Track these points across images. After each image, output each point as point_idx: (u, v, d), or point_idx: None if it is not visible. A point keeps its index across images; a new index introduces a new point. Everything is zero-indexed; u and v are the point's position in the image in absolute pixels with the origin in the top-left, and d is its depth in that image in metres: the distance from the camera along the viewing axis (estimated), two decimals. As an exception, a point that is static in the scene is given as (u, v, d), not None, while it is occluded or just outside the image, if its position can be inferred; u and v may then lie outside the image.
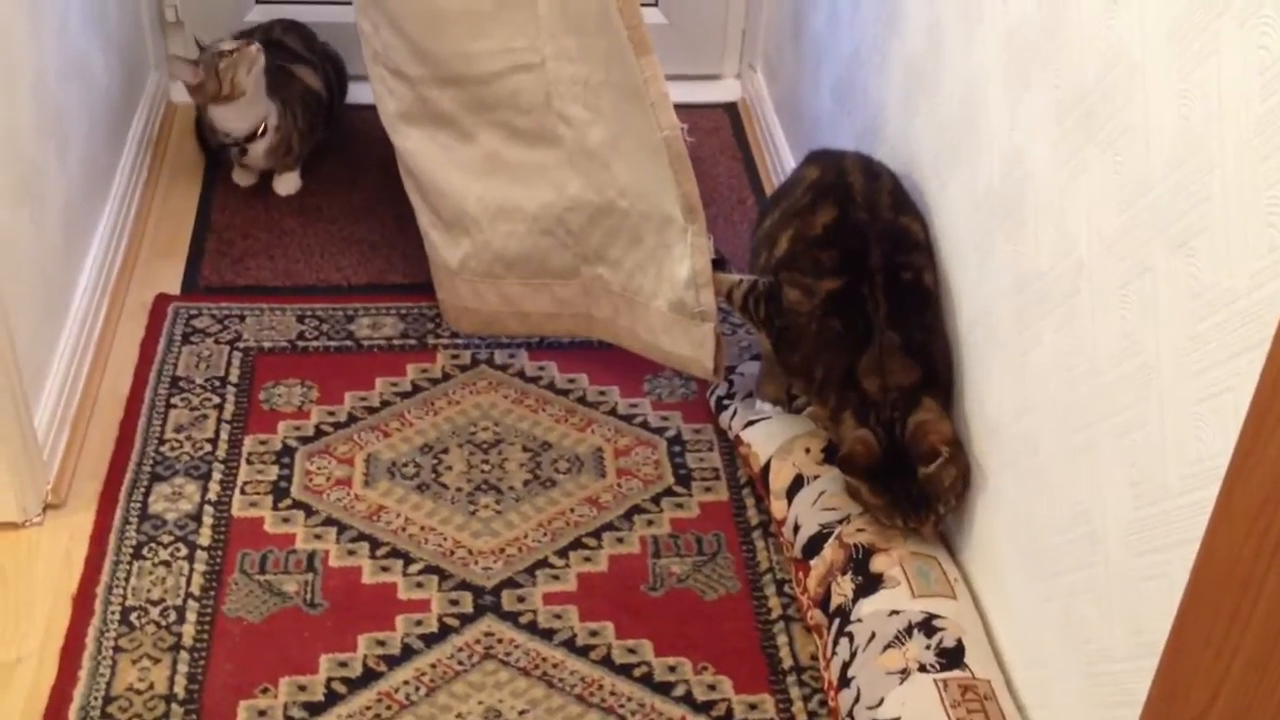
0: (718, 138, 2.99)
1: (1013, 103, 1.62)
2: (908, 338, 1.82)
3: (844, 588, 1.81)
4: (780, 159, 2.80)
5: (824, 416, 1.94)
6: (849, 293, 1.86)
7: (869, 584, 1.78)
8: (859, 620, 1.76)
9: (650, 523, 2.09)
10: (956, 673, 1.67)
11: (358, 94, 2.93)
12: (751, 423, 2.13)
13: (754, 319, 2.03)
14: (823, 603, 1.85)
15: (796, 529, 1.96)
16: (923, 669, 1.67)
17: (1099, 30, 1.39)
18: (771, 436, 2.08)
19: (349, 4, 2.85)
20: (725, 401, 2.22)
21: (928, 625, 1.71)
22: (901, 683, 1.67)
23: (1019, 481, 1.63)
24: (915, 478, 1.74)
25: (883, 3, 2.13)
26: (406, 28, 2.11)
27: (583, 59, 2.00)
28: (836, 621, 1.80)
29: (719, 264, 2.07)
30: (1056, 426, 1.51)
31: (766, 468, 2.06)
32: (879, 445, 1.77)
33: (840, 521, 1.89)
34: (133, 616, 1.89)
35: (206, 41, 2.62)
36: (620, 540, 2.05)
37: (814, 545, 1.91)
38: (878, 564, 1.80)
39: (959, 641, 1.70)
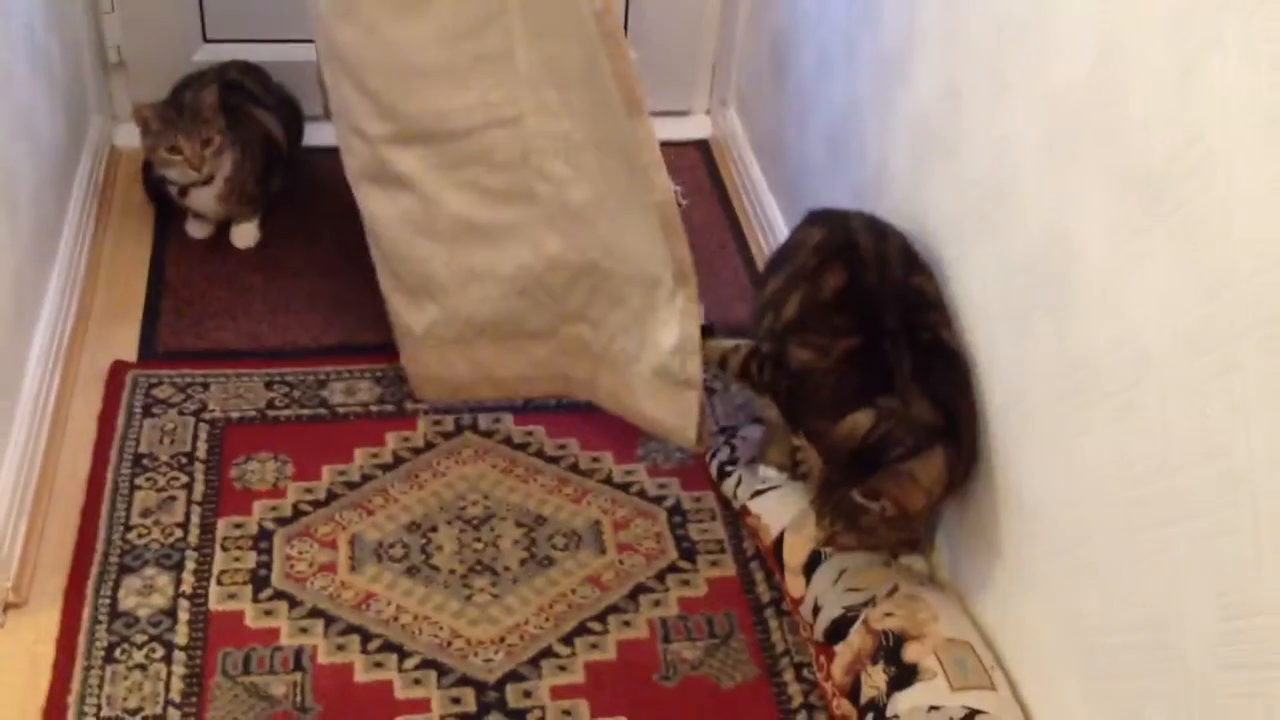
0: (692, 177, 2.89)
1: (1054, 175, 1.53)
2: (933, 391, 1.72)
3: (876, 680, 1.71)
4: (760, 202, 2.71)
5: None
6: (869, 349, 1.77)
7: (903, 676, 1.69)
8: (895, 716, 1.66)
9: (657, 603, 1.98)
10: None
11: (315, 137, 2.80)
12: (759, 492, 2.04)
13: (756, 384, 1.95)
14: (851, 693, 1.76)
15: (817, 610, 1.87)
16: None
17: (1170, 109, 1.30)
18: (783, 508, 1.99)
19: (302, 42, 2.74)
20: (728, 468, 2.12)
21: (970, 720, 1.63)
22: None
23: (1068, 574, 1.55)
24: (844, 484, 1.68)
25: (884, 56, 2.05)
26: (371, 84, 1.95)
27: (565, 113, 1.89)
28: (870, 716, 1.70)
29: (707, 331, 1.99)
30: (1116, 523, 1.43)
31: (779, 541, 1.96)
32: (860, 440, 1.68)
33: (866, 604, 1.80)
34: (109, 729, 1.75)
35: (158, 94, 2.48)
36: (627, 624, 1.94)
37: (838, 629, 1.82)
38: (911, 653, 1.71)
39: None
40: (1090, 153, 1.45)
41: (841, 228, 1.93)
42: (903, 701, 1.67)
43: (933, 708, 1.65)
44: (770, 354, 1.91)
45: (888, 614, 1.77)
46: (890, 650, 1.72)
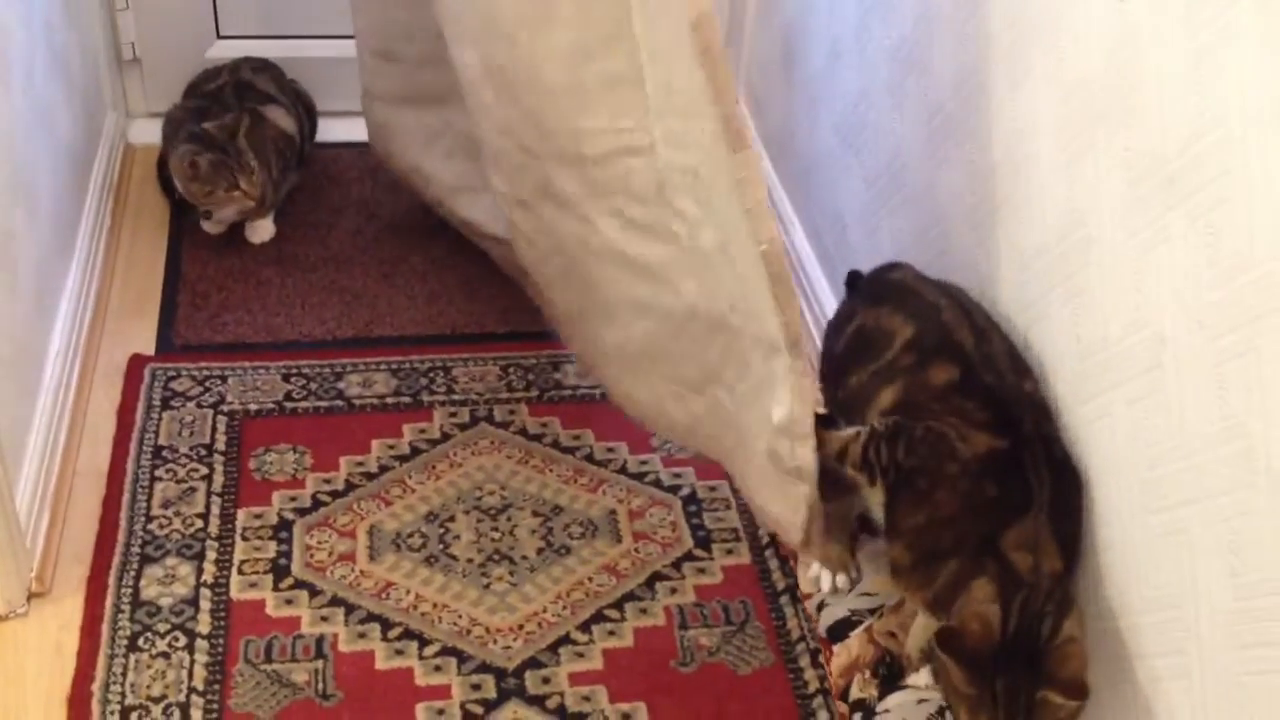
0: (703, 172, 2.90)
1: (1070, 162, 1.55)
2: (1060, 524, 1.51)
3: (868, 688, 1.74)
4: (771, 194, 2.72)
5: (926, 591, 1.56)
6: (1010, 456, 1.53)
7: (895, 688, 1.72)
8: (886, 711, 1.69)
9: (673, 590, 2.00)
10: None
11: (329, 132, 2.82)
12: (775, 482, 2.04)
13: (875, 467, 1.65)
14: (843, 692, 1.78)
15: (822, 605, 1.87)
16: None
17: (1184, 95, 1.32)
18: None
19: (316, 38, 2.77)
20: (742, 458, 2.12)
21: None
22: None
23: (1085, 556, 1.56)
24: (1025, 687, 1.42)
25: (897, 45, 2.06)
26: (524, 101, 1.86)
27: (692, 145, 1.66)
28: (859, 716, 1.73)
29: (829, 422, 1.76)
30: (1133, 505, 1.45)
31: (795, 530, 1.97)
32: (999, 634, 1.44)
33: (873, 611, 1.81)
34: (134, 717, 1.76)
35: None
36: (644, 611, 1.96)
37: (841, 629, 1.83)
38: (908, 680, 1.73)
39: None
40: (1107, 139, 1.47)
41: (934, 322, 1.71)
42: (893, 699, 1.71)
43: (922, 700, 1.68)
44: (892, 428, 1.63)
45: (891, 633, 1.78)
46: (888, 674, 1.74)
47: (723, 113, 1.56)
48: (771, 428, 1.71)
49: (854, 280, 1.97)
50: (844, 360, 1.81)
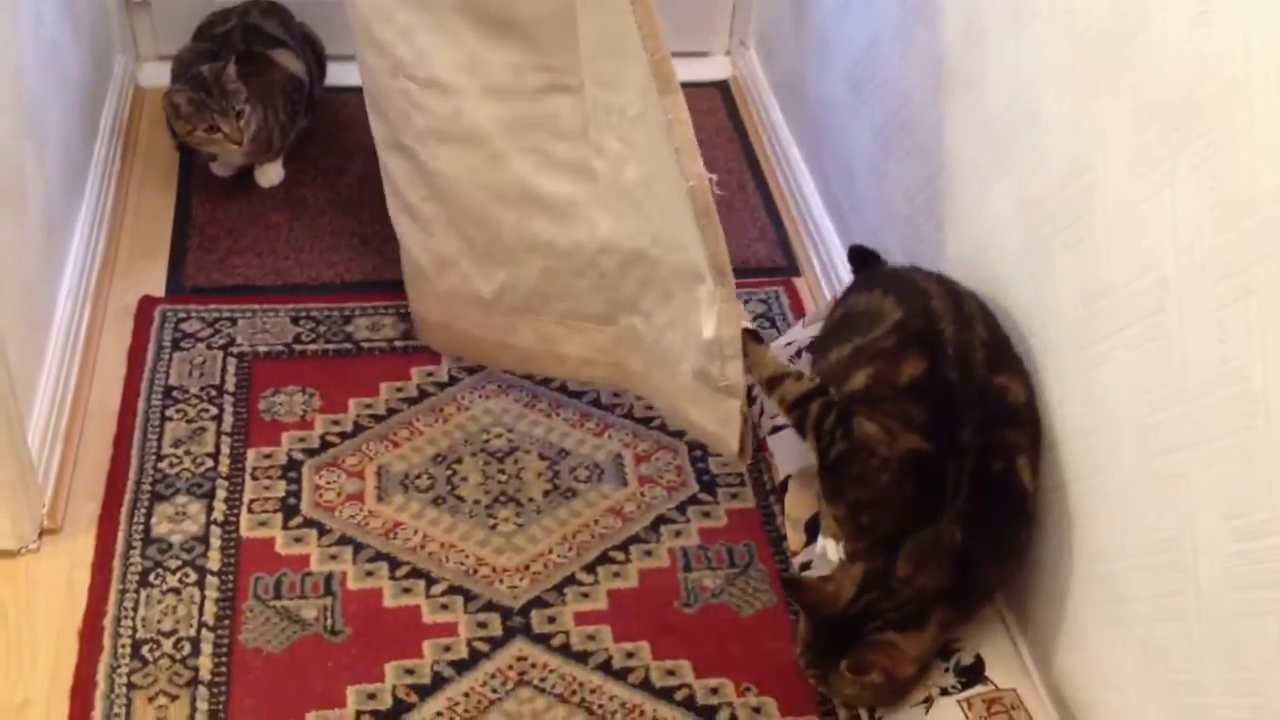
0: (713, 118, 2.90)
1: (1077, 108, 1.55)
2: (970, 546, 1.59)
3: None
4: (780, 141, 2.73)
5: (852, 544, 1.70)
6: (933, 463, 1.61)
7: None
8: None
9: (678, 533, 2.02)
10: (979, 689, 1.63)
11: (338, 76, 2.82)
12: (778, 429, 2.06)
13: (810, 428, 1.75)
14: None
15: (806, 566, 1.88)
16: (944, 692, 1.63)
17: (1189, 39, 1.32)
18: (793, 451, 1.99)
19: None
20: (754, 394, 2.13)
21: (942, 649, 1.67)
22: (927, 711, 1.63)
23: (1082, 501, 1.58)
24: (834, 653, 1.62)
25: (908, -10, 2.06)
26: (460, 31, 1.89)
27: (619, 85, 1.75)
28: None
29: (754, 337, 1.84)
30: (1134, 450, 1.46)
31: (785, 484, 1.98)
32: (841, 607, 1.61)
33: None
34: (144, 650, 1.79)
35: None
36: (649, 553, 1.98)
37: None
38: None
39: (977, 657, 1.66)
40: (1112, 85, 1.47)
41: (921, 308, 1.75)
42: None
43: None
44: (841, 406, 1.71)
45: None
46: None
47: (652, 55, 1.66)
48: (700, 348, 1.83)
49: (856, 255, 2.06)
50: (835, 328, 1.87)
